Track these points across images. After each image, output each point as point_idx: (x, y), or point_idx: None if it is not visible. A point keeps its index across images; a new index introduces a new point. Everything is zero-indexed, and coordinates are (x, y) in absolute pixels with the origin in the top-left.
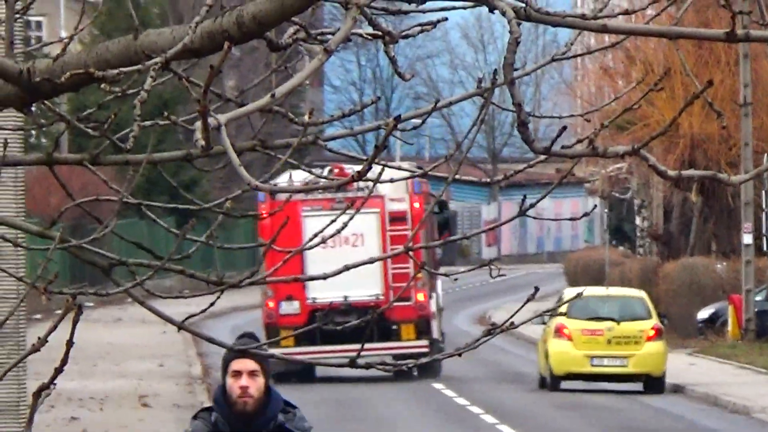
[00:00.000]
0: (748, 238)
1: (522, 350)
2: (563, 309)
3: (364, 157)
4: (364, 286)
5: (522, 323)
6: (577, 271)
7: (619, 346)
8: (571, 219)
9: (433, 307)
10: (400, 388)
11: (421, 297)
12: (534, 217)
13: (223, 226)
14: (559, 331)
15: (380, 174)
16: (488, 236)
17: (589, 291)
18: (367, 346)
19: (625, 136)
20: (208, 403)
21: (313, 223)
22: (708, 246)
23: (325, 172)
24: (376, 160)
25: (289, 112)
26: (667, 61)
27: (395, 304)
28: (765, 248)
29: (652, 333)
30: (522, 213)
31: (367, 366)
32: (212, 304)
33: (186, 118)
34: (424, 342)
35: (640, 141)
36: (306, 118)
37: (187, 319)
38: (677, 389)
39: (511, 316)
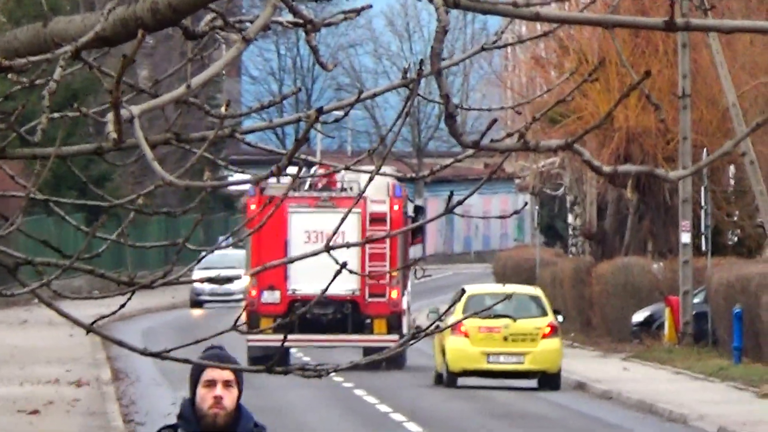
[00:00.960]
0: (686, 237)
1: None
2: (458, 309)
3: (283, 151)
4: (342, 282)
5: (449, 326)
6: (507, 272)
7: (516, 344)
8: (500, 217)
9: (404, 304)
10: (321, 392)
11: (394, 294)
12: (461, 215)
13: (135, 224)
14: (455, 328)
15: (369, 180)
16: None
17: (486, 288)
18: (341, 337)
19: (557, 130)
20: (116, 410)
21: (298, 220)
22: (644, 245)
23: (312, 171)
24: (299, 155)
25: (205, 103)
26: (602, 51)
27: (370, 300)
28: (703, 248)
29: (547, 330)
30: (449, 210)
31: (285, 371)
32: (123, 306)
33: (97, 109)
34: (395, 336)
35: (574, 135)
36: (223, 110)
37: (96, 321)
38: (608, 395)
39: (437, 319)
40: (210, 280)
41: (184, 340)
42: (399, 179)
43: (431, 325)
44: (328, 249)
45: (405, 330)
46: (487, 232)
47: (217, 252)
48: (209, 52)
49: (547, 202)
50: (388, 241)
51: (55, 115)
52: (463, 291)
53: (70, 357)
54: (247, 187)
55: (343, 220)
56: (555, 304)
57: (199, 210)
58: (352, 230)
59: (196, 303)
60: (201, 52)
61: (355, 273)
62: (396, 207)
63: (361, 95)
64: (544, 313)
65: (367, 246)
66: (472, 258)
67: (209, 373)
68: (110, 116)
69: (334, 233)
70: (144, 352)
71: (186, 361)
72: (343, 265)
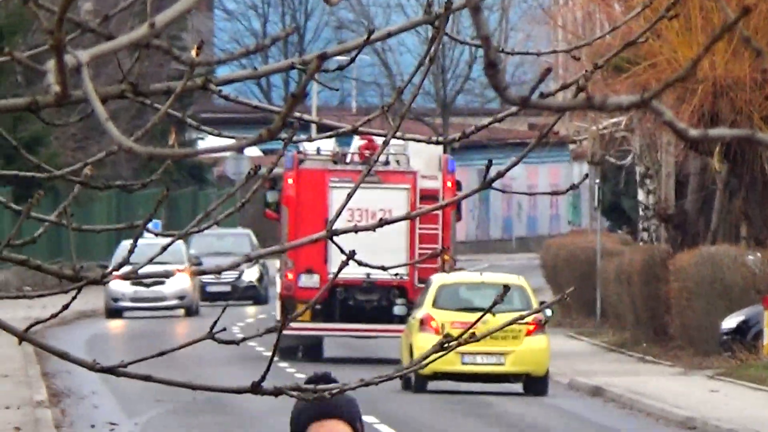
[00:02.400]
0: None
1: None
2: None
3: (271, 107)
4: (393, 261)
5: (484, 335)
6: (558, 264)
7: (495, 342)
8: (551, 193)
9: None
10: None
11: None
12: (503, 191)
13: (78, 201)
14: (425, 324)
15: (384, 145)
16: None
17: (459, 277)
18: (385, 327)
19: (623, 81)
20: None
21: (339, 195)
22: (736, 230)
23: (353, 144)
24: (297, 114)
25: (169, 46)
26: None
27: (419, 286)
28: None
29: (532, 327)
30: (487, 185)
31: (276, 392)
32: (66, 307)
33: (30, 53)
34: (405, 308)
35: (645, 87)
36: (193, 54)
37: (31, 326)
38: (691, 424)
39: (472, 325)
40: (201, 272)
41: (143, 351)
42: (420, 143)
43: (463, 333)
44: (332, 234)
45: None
46: (533, 213)
47: (143, 241)
48: None
49: (610, 174)
50: (440, 220)
51: None
52: (507, 288)
53: None
54: (227, 154)
55: (369, 192)
56: (621, 306)
57: (161, 183)
58: (401, 208)
59: (114, 312)
60: None
61: (372, 267)
62: (449, 183)
63: (371, 36)
64: (529, 307)
65: (418, 226)
66: (513, 246)
67: (318, 428)
68: (51, 64)
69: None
70: (93, 367)
71: (147, 378)
72: (351, 255)
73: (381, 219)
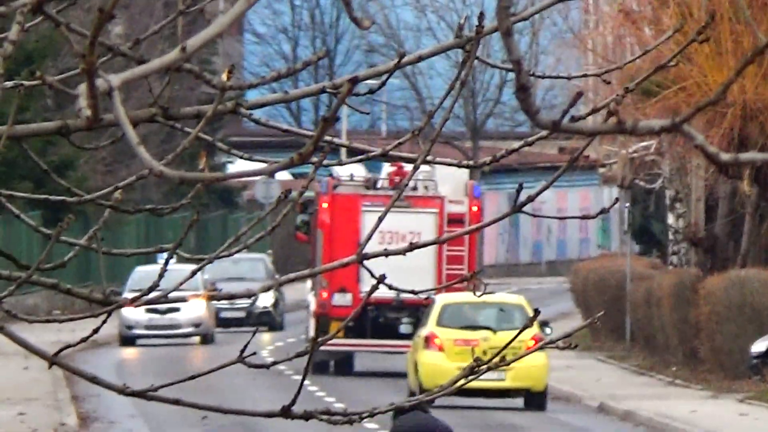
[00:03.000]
0: None
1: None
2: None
3: (302, 131)
4: (417, 285)
5: (517, 358)
6: (588, 288)
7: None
8: (583, 217)
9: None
10: None
11: None
12: (533, 215)
13: (106, 225)
14: (429, 342)
15: (414, 170)
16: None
17: (463, 297)
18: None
19: (653, 104)
20: None
21: (371, 218)
22: (766, 254)
23: (384, 170)
24: (328, 137)
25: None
26: (712, 3)
27: None
28: None
29: (532, 343)
30: (517, 209)
31: (306, 416)
32: (96, 331)
33: (61, 77)
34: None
35: (675, 110)
36: (224, 78)
37: (61, 350)
38: None
39: (502, 349)
40: (214, 297)
41: (173, 375)
42: (454, 166)
43: (493, 357)
44: (360, 260)
45: None
46: (563, 237)
47: (148, 268)
48: (203, 3)
49: (640, 197)
50: (467, 242)
51: (8, 84)
52: (537, 311)
53: (25, 396)
54: (258, 178)
55: (399, 217)
56: (651, 330)
57: (191, 207)
58: (429, 231)
59: (128, 339)
60: (192, 4)
61: (395, 290)
62: (475, 208)
63: (402, 59)
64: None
65: (445, 248)
66: (542, 270)
67: None
68: (83, 87)
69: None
70: (124, 391)
71: (177, 402)
72: (381, 280)
73: (411, 243)
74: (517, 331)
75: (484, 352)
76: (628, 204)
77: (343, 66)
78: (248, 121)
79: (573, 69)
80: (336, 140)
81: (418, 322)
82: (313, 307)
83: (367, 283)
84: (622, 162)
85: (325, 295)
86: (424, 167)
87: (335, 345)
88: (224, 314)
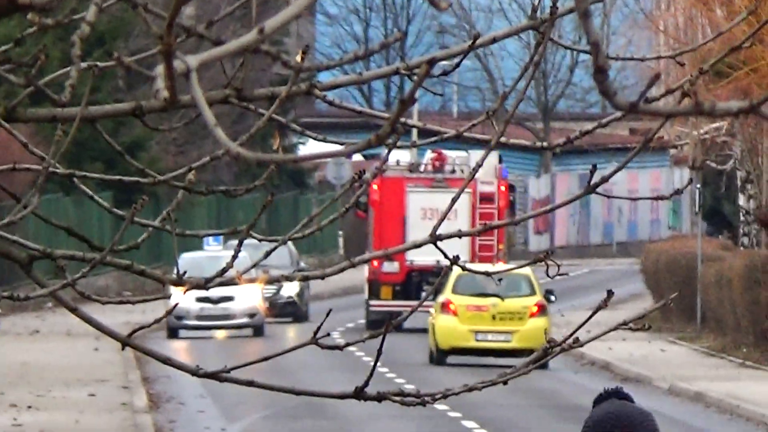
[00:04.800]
0: None
1: (586, 377)
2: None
3: (376, 113)
4: (452, 251)
5: (590, 340)
6: (659, 269)
7: (503, 322)
8: (656, 198)
9: (512, 266)
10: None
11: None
12: (607, 195)
13: (178, 206)
14: (445, 307)
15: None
16: (537, 221)
17: (475, 267)
18: None
19: (724, 85)
20: None
21: (414, 198)
22: None
23: (426, 157)
24: (401, 119)
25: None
26: None
27: None
28: None
29: (535, 309)
30: (591, 190)
31: (379, 398)
32: (170, 312)
33: (136, 57)
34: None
35: (746, 91)
36: (299, 59)
37: (135, 331)
38: None
39: (575, 331)
40: (285, 278)
41: (243, 358)
42: (527, 149)
43: (567, 339)
44: (437, 239)
45: None
46: (634, 218)
47: (205, 253)
48: None
49: (711, 179)
50: (496, 213)
51: (83, 65)
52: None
53: (95, 378)
54: (329, 159)
55: (442, 197)
56: (721, 311)
57: (262, 189)
58: (463, 208)
59: (177, 330)
60: None
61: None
62: (503, 188)
63: (476, 41)
64: (533, 293)
65: (477, 221)
66: (613, 251)
67: None
68: (160, 69)
69: (442, 218)
70: (197, 373)
71: (251, 383)
72: (455, 260)
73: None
74: (522, 298)
75: (493, 317)
76: (699, 185)
77: (414, 47)
78: (320, 102)
79: (644, 50)
80: (410, 122)
81: None
82: (366, 274)
83: (411, 253)
84: (693, 143)
85: (375, 263)
86: (459, 153)
87: (386, 306)
88: (207, 309)
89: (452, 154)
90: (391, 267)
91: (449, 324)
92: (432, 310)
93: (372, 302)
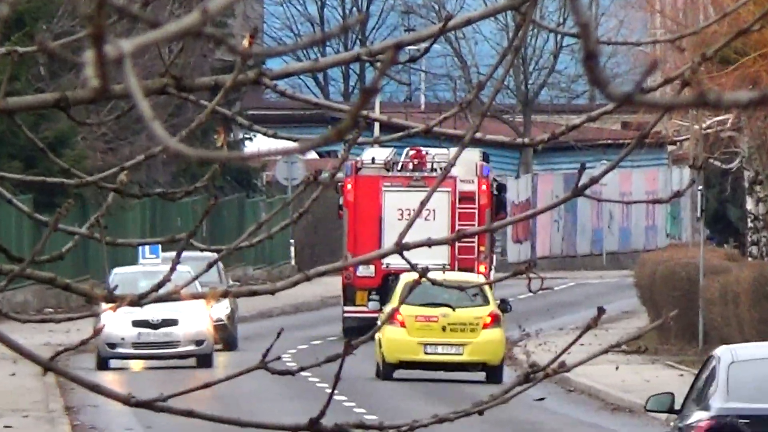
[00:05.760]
0: None
1: (572, 406)
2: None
3: (332, 104)
4: (434, 256)
5: (577, 364)
6: (655, 283)
7: (455, 333)
8: (652, 202)
9: (492, 279)
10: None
11: (482, 269)
12: (597, 199)
13: (108, 211)
14: (392, 318)
15: (461, 148)
16: (516, 228)
17: (445, 277)
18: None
19: (729, 73)
20: None
21: (392, 198)
22: None
23: (403, 155)
24: (365, 112)
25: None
26: None
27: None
28: None
29: (488, 320)
30: (578, 192)
31: (337, 430)
32: (99, 332)
33: (62, 41)
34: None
35: (755, 80)
36: (245, 43)
37: (58, 354)
38: None
39: (560, 354)
40: (234, 294)
41: (182, 386)
42: (505, 146)
43: (551, 363)
44: (402, 248)
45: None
46: (626, 225)
47: (139, 268)
48: None
49: (715, 179)
50: (477, 213)
51: (0, 50)
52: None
53: (12, 407)
54: (278, 157)
55: (419, 196)
56: (727, 330)
57: (204, 191)
58: (442, 208)
59: (106, 360)
60: None
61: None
62: (484, 186)
63: (448, 22)
64: (486, 302)
65: (457, 221)
66: (603, 262)
67: None
68: (89, 54)
69: (414, 217)
70: (129, 401)
71: (190, 413)
72: (423, 273)
73: (459, 230)
74: (475, 308)
75: (443, 328)
76: (701, 187)
77: (376, 30)
78: (270, 93)
79: (638, 34)
80: (372, 115)
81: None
82: (340, 279)
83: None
84: (695, 139)
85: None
86: (439, 151)
87: (360, 312)
88: (144, 336)
89: (432, 152)
90: (366, 271)
91: (396, 336)
92: (378, 320)
93: (347, 308)
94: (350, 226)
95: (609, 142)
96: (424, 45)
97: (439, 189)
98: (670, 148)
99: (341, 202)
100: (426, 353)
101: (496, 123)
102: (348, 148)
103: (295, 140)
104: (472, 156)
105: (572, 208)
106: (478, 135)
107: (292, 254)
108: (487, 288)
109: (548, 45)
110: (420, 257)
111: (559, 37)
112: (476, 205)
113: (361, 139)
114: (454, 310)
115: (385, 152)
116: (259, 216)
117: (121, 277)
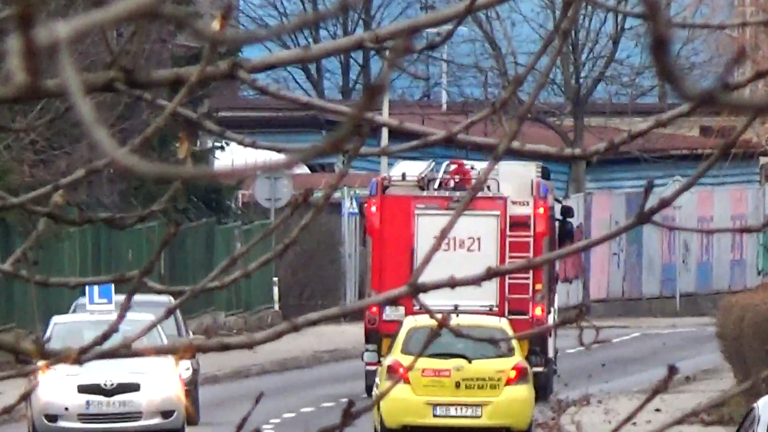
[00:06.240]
0: None
1: None
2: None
3: (327, 104)
4: (478, 296)
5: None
6: (743, 332)
7: (471, 391)
8: (741, 231)
9: (550, 323)
10: None
11: (538, 311)
12: (669, 227)
13: (39, 242)
14: (393, 371)
15: (495, 159)
16: (565, 262)
17: (429, 321)
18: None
19: None
20: None
21: (426, 223)
22: None
23: (442, 170)
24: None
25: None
26: None
27: (510, 317)
28: None
29: (513, 374)
30: (644, 219)
31: None
32: (26, 396)
33: None
34: (539, 360)
35: None
36: (215, 27)
37: None
38: None
39: (623, 423)
40: (221, 346)
41: None
42: (551, 158)
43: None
44: (416, 290)
45: (550, 353)
46: (707, 259)
47: (83, 317)
48: None
49: None
50: (531, 242)
51: None
52: (673, 370)
53: None
54: (257, 173)
55: (460, 221)
56: None
57: (164, 215)
58: (490, 235)
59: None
60: None
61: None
62: (541, 210)
63: (475, 0)
64: (510, 352)
65: (507, 252)
66: (676, 306)
67: None
68: (15, 41)
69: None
70: None
71: None
72: (444, 323)
73: (489, 269)
74: (496, 360)
75: (457, 385)
76: None
77: (384, 8)
78: (248, 90)
79: (723, 13)
80: (379, 118)
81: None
82: (364, 322)
83: (420, 295)
84: None
85: (374, 309)
86: (484, 164)
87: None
88: (95, 405)
89: (478, 166)
90: (394, 314)
91: (399, 395)
92: (378, 375)
93: (369, 360)
94: (375, 258)
95: (684, 153)
96: (446, 28)
97: (486, 213)
98: (762, 160)
99: (365, 227)
100: (435, 416)
101: (540, 128)
102: (348, 161)
103: (279, 150)
104: (526, 171)
105: (637, 238)
106: (516, 144)
107: (276, 297)
108: (511, 333)
109: (606, 27)
110: (462, 298)
111: (620, 17)
112: (531, 233)
113: (364, 150)
114: (470, 362)
115: (419, 167)
116: (234, 248)
117: (62, 328)
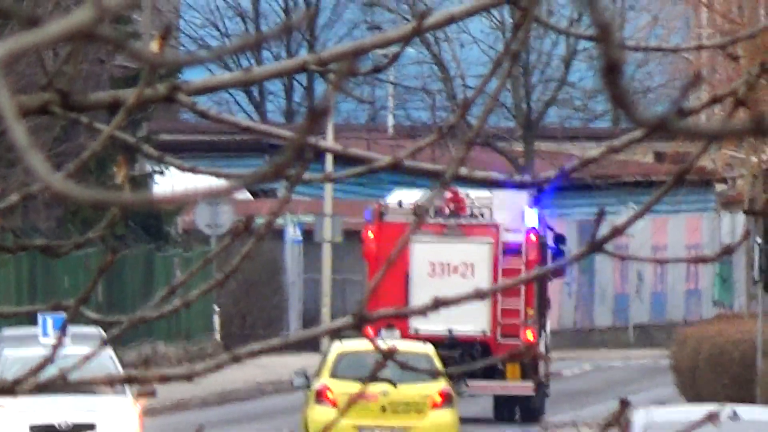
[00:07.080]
0: None
1: None
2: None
3: (269, 128)
4: (471, 320)
5: None
6: (698, 365)
7: (397, 416)
8: (695, 261)
9: (541, 347)
10: None
11: (530, 335)
12: (619, 256)
13: None
14: (321, 396)
15: (441, 186)
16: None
17: (362, 345)
18: (470, 384)
19: None
20: None
21: (421, 250)
22: None
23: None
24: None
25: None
26: None
27: (502, 341)
28: None
29: (438, 399)
30: (596, 247)
31: None
32: None
33: None
34: (529, 384)
35: None
36: (154, 48)
37: None
38: None
39: None
40: (160, 378)
41: None
42: (499, 185)
43: None
44: (361, 320)
45: (542, 377)
46: (661, 289)
47: (34, 351)
48: None
49: None
50: (523, 270)
51: None
52: (625, 404)
53: None
54: (198, 200)
55: (454, 248)
56: None
57: (102, 242)
58: (482, 263)
59: None
60: None
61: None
62: (533, 237)
63: (423, 20)
64: (435, 377)
65: (500, 278)
66: (630, 338)
67: None
68: None
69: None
70: None
71: None
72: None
73: (436, 298)
74: (421, 384)
75: (383, 409)
76: (758, 239)
77: (328, 28)
78: (188, 113)
79: (678, 36)
80: (324, 143)
81: (471, 360)
82: None
83: (415, 319)
84: (751, 175)
85: (370, 332)
86: (480, 193)
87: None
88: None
89: (472, 194)
90: (390, 337)
91: (326, 418)
92: (307, 399)
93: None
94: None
95: (638, 179)
96: (393, 49)
97: (479, 240)
98: (718, 187)
99: (362, 252)
100: None
101: (489, 153)
102: (291, 187)
103: (220, 176)
104: (519, 199)
105: (589, 267)
106: (464, 170)
107: (217, 326)
108: (436, 360)
109: (558, 50)
110: (455, 322)
111: (571, 39)
112: (524, 260)
113: (307, 176)
114: (395, 386)
115: (415, 195)
116: (173, 275)
117: (12, 363)
